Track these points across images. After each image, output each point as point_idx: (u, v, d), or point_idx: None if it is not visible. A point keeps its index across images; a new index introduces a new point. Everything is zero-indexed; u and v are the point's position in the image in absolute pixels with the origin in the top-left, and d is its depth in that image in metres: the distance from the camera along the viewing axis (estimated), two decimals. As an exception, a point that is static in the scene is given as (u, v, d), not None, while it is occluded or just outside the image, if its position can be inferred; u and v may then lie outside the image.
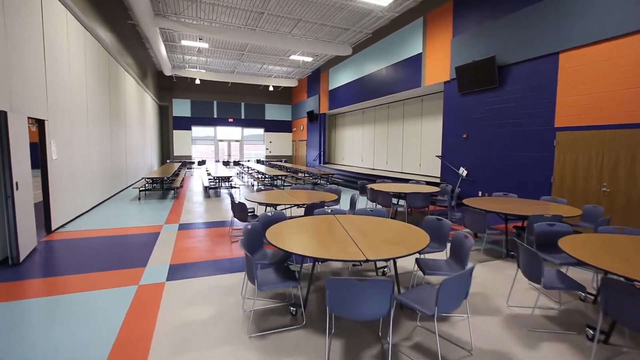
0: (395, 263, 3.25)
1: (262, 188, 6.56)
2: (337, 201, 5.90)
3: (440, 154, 10.01)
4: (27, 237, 4.66)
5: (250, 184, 13.32)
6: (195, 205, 8.63)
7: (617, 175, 5.55)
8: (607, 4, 5.65)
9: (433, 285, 2.91)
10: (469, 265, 2.69)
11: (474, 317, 3.02)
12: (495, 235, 5.84)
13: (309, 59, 16.33)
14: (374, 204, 7.01)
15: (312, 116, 19.73)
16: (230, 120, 23.45)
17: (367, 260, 2.52)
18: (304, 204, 5.08)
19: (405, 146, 12.99)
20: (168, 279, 3.81)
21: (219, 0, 10.47)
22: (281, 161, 23.22)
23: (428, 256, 4.35)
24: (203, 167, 21.23)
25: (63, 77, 6.42)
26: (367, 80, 13.78)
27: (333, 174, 12.41)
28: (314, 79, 19.86)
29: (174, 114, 22.04)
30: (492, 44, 7.84)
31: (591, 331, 2.74)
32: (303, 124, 22.07)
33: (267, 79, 21.12)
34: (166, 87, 21.43)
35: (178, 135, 22.34)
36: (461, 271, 2.28)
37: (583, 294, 3.46)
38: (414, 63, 10.77)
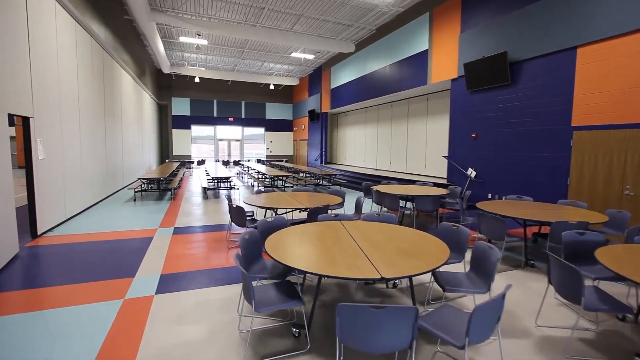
0: (411, 279, 2.89)
1: (262, 189, 6.20)
2: (341, 204, 5.54)
3: (447, 155, 9.65)
4: (6, 244, 4.31)
5: (250, 184, 12.97)
6: (192, 207, 8.28)
7: (642, 177, 5.18)
8: (631, -6, 5.28)
9: (456, 306, 2.55)
10: (500, 286, 2.32)
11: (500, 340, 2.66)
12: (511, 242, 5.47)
13: (311, 57, 15.97)
14: (380, 206, 6.65)
15: (313, 115, 19.37)
16: (231, 119, 23.10)
17: (382, 279, 2.16)
18: (306, 208, 4.72)
19: (409, 146, 12.62)
20: (157, 292, 3.46)
21: (217, -6, 10.12)
22: (282, 161, 22.87)
23: (444, 267, 3.98)
24: (202, 166, 20.87)
25: (51, 72, 6.06)
26: (370, 78, 13.41)
27: (335, 175, 12.04)
28: (315, 77, 19.50)
29: (173, 113, 21.70)
30: (503, 39, 7.47)
31: None
32: (304, 123, 21.71)
33: (268, 77, 20.76)
34: (165, 86, 21.08)
35: (177, 134, 22.00)
36: (488, 292, 1.92)
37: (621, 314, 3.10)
38: (420, 60, 10.40)
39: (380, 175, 12.10)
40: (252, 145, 24.32)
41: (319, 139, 19.26)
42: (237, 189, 11.27)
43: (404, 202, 8.21)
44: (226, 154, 23.78)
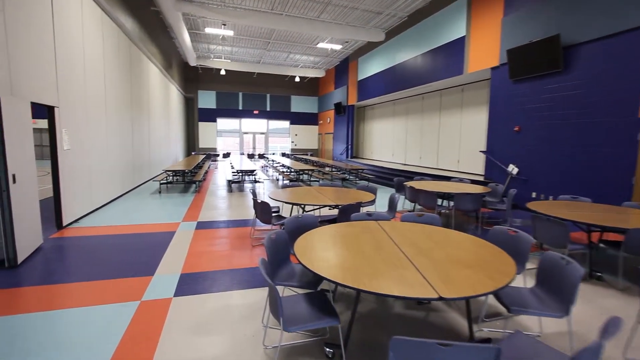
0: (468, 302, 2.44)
1: (288, 183, 5.87)
2: (372, 201, 5.11)
3: (484, 149, 8.97)
4: (29, 236, 4.19)
5: (275, 178, 12.72)
6: (216, 200, 8.09)
7: None
8: None
9: (520, 329, 2.10)
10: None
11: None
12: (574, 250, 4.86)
13: (338, 47, 15.46)
14: (413, 204, 6.18)
15: (339, 108, 18.89)
16: (256, 112, 22.98)
17: (440, 299, 1.74)
18: (337, 205, 4.33)
19: (441, 140, 11.94)
20: (176, 294, 3.19)
21: (244, -19, 9.82)
22: (307, 155, 22.59)
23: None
24: (228, 159, 20.91)
25: (76, 62, 5.95)
26: (400, 69, 12.78)
27: (363, 170, 11.56)
28: (342, 69, 18.97)
29: (199, 106, 21.82)
30: (555, 21, 6.72)
31: None
32: (330, 117, 21.27)
33: (294, 69, 20.42)
34: (192, 79, 21.19)
35: (203, 127, 22.13)
36: (566, 316, 1.46)
37: None
38: (456, 48, 9.70)
39: (410, 170, 11.52)
40: (277, 138, 24.15)
41: (345, 132, 18.78)
42: (262, 182, 11.04)
43: (441, 200, 7.66)
44: (251, 147, 23.74)
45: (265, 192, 9.46)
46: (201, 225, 5.72)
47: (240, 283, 3.46)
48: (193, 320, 2.74)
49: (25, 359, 2.23)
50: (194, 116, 21.79)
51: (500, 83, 8.22)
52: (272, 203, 6.62)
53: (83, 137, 6.17)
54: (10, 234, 3.80)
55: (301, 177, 12.44)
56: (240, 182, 10.92)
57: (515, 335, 1.88)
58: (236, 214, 6.68)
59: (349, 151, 18.40)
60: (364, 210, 4.01)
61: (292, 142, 24.02)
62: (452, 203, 5.55)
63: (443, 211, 6.13)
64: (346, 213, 4.10)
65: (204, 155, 18.13)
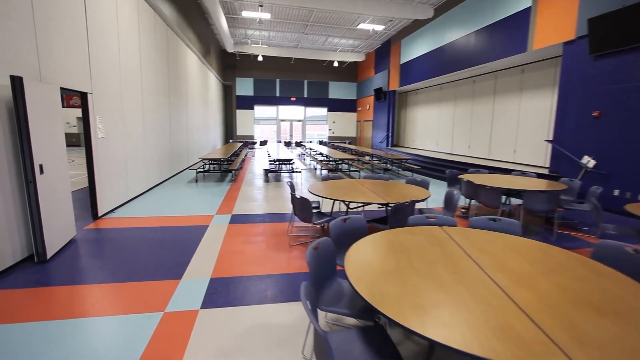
0: None
1: (329, 175, 5.32)
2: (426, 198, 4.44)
3: (549, 138, 7.85)
4: (61, 229, 3.99)
5: (312, 167, 12.25)
6: (252, 190, 7.74)
7: None
8: None
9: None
10: None
11: None
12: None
13: (380, 28, 14.48)
14: (469, 201, 5.41)
15: (379, 94, 17.94)
16: (293, 99, 22.55)
17: (582, 376, 1.12)
18: (387, 204, 3.73)
19: (495, 128, 10.78)
20: (204, 305, 2.77)
21: (282, -42, 9.20)
22: (344, 143, 21.92)
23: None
24: (264, 147, 20.76)
25: (111, 48, 5.71)
26: (449, 49, 11.64)
27: (407, 159, 10.74)
28: (383, 52, 17.92)
29: (237, 93, 21.75)
30: (656, -19, 5.50)
31: None
32: (369, 103, 20.36)
33: (332, 54, 19.63)
34: (230, 66, 21.09)
35: (241, 114, 22.10)
36: None
37: None
38: (518, 22, 8.52)
39: (457, 161, 10.55)
40: (314, 126, 23.64)
41: (385, 119, 17.85)
42: (300, 172, 10.59)
43: (505, 198, 6.80)
44: (288, 134, 23.44)
45: (302, 182, 9.00)
46: (235, 219, 5.35)
47: (276, 294, 2.99)
48: (221, 341, 2.30)
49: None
50: (231, 104, 21.79)
51: (575, 60, 7.04)
52: (311, 197, 6.16)
53: (118, 125, 5.99)
54: (39, 228, 3.59)
55: (340, 166, 11.86)
56: (277, 172, 10.55)
57: None
58: (272, 206, 6.27)
59: (390, 139, 17.49)
60: (419, 209, 3.37)
61: (330, 129, 23.40)
62: (514, 201, 4.73)
63: (505, 209, 5.30)
64: (399, 213, 3.48)
65: (241, 143, 18.05)
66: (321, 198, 4.94)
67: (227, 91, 21.64)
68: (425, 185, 4.96)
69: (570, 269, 1.93)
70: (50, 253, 3.74)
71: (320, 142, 22.32)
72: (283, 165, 11.21)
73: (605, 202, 6.31)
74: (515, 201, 6.76)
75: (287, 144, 20.84)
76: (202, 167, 9.63)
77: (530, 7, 8.15)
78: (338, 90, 23.16)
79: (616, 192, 6.22)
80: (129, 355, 2.14)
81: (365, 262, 1.96)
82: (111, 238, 4.41)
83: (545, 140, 8.02)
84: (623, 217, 5.92)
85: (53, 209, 3.85)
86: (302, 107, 22.97)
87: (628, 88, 6.00)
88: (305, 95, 22.75)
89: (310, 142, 23.07)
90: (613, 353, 1.21)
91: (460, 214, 5.92)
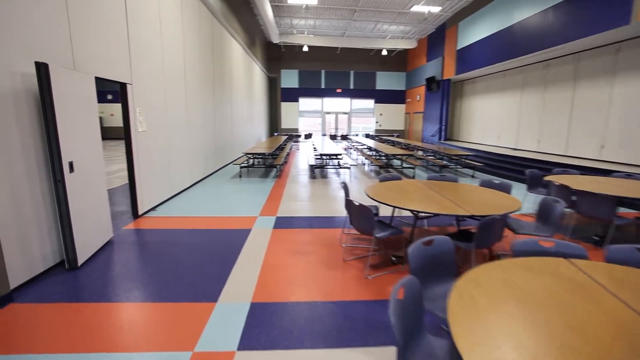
0: None
1: (387, 175, 4.56)
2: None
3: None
4: (95, 231, 3.67)
5: (361, 162, 11.48)
6: (298, 188, 7.19)
7: None
8: None
9: None
10: None
11: None
12: None
13: (436, 9, 13.20)
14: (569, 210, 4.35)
15: (432, 84, 16.62)
16: (339, 90, 21.78)
17: None
18: (472, 216, 2.92)
19: (574, 119, 9.27)
20: (241, 345, 2.20)
21: None
22: (392, 136, 20.81)
23: None
24: (309, 140, 20.28)
25: (152, 37, 5.37)
26: (518, 29, 10.20)
27: (468, 155, 9.59)
28: (436, 38, 16.53)
29: (282, 86, 21.42)
30: None
31: None
32: (420, 94, 19.04)
33: (381, 41, 18.51)
34: (274, 58, 20.77)
35: (285, 107, 21.78)
36: None
37: None
38: (617, -11, 7.05)
39: (526, 157, 9.22)
40: (359, 118, 22.72)
41: (437, 111, 16.52)
42: (349, 168, 9.86)
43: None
44: (333, 127, 22.77)
45: (351, 180, 8.30)
46: (280, 223, 4.80)
47: (330, 334, 2.34)
48: (262, 410, 1.70)
49: None
50: (276, 96, 21.52)
51: (699, 32, 5.58)
52: (366, 200, 5.44)
53: (160, 118, 5.67)
54: (69, 232, 3.25)
55: (391, 162, 10.97)
56: (323, 167, 9.93)
57: None
58: (320, 208, 5.64)
59: (443, 133, 16.17)
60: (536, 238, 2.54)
61: (377, 122, 22.34)
62: (623, 210, 3.67)
63: (620, 223, 4.21)
64: (491, 230, 2.68)
65: (286, 136, 17.68)
66: (382, 204, 4.20)
67: (272, 83, 21.39)
68: (506, 189, 4.05)
69: None
70: (82, 259, 3.41)
71: (367, 135, 21.39)
72: (329, 160, 10.57)
73: None
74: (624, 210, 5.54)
75: (333, 137, 20.17)
76: (246, 161, 9.28)
77: (633, -30, 6.67)
78: (386, 80, 22.00)
79: None
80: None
81: (479, 322, 1.23)
82: (147, 242, 4.04)
83: (650, 134, 6.57)
84: None
85: (86, 210, 3.51)
86: (348, 99, 22.12)
87: None
88: (352, 87, 21.87)
89: (356, 135, 22.22)
90: None
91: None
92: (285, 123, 21.98)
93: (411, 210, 3.03)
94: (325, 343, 2.22)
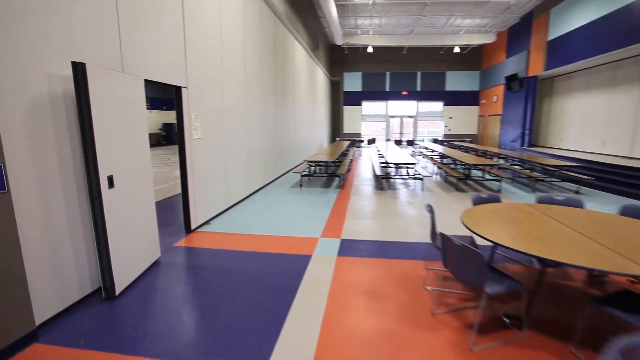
0: None
1: (484, 197, 3.55)
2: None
3: None
4: (137, 253, 3.24)
5: (432, 172, 10.27)
6: (363, 202, 6.36)
7: None
8: None
9: None
10: None
11: None
12: None
13: (524, -3, 11.49)
14: None
15: (512, 82, 14.64)
16: (404, 93, 20.49)
17: None
18: (625, 274, 1.85)
19: None
20: None
21: None
22: (464, 141, 18.96)
23: None
24: (372, 146, 19.30)
25: (211, 38, 4.98)
26: (635, 10, 8.24)
27: (570, 166, 7.90)
28: (519, 30, 14.56)
29: (344, 89, 20.77)
30: None
31: None
32: (497, 94, 17.01)
33: (454, 37, 16.90)
34: (338, 60, 20.20)
35: (348, 111, 21.06)
36: None
37: None
38: None
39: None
40: (425, 122, 21.14)
41: (520, 113, 14.49)
42: (421, 179, 8.75)
43: None
44: (397, 132, 21.50)
45: (424, 192, 7.23)
46: (345, 248, 4.02)
47: None
48: None
49: None
50: (339, 100, 20.91)
51: None
52: (458, 229, 4.48)
53: (217, 124, 5.27)
54: (105, 257, 2.82)
55: (470, 173, 9.62)
56: (390, 178, 8.97)
57: None
58: (392, 229, 4.75)
59: (527, 137, 14.12)
60: None
61: (446, 126, 20.57)
62: None
63: None
64: None
65: (349, 142, 16.95)
66: (491, 242, 3.20)
67: (335, 87, 20.83)
68: (672, 222, 2.80)
69: None
70: (121, 287, 2.98)
71: (435, 141, 19.78)
72: (398, 170, 9.55)
73: None
74: None
75: (398, 142, 18.96)
76: (307, 169, 8.71)
77: None
78: (456, 81, 20.18)
79: None
80: None
81: None
82: (195, 266, 3.54)
83: None
84: None
85: (128, 231, 3.08)
86: (414, 102, 20.70)
87: None
88: (418, 89, 20.43)
89: (422, 140, 20.69)
90: None
91: None
92: (348, 128, 21.26)
93: (542, 260, 2.04)
94: None
